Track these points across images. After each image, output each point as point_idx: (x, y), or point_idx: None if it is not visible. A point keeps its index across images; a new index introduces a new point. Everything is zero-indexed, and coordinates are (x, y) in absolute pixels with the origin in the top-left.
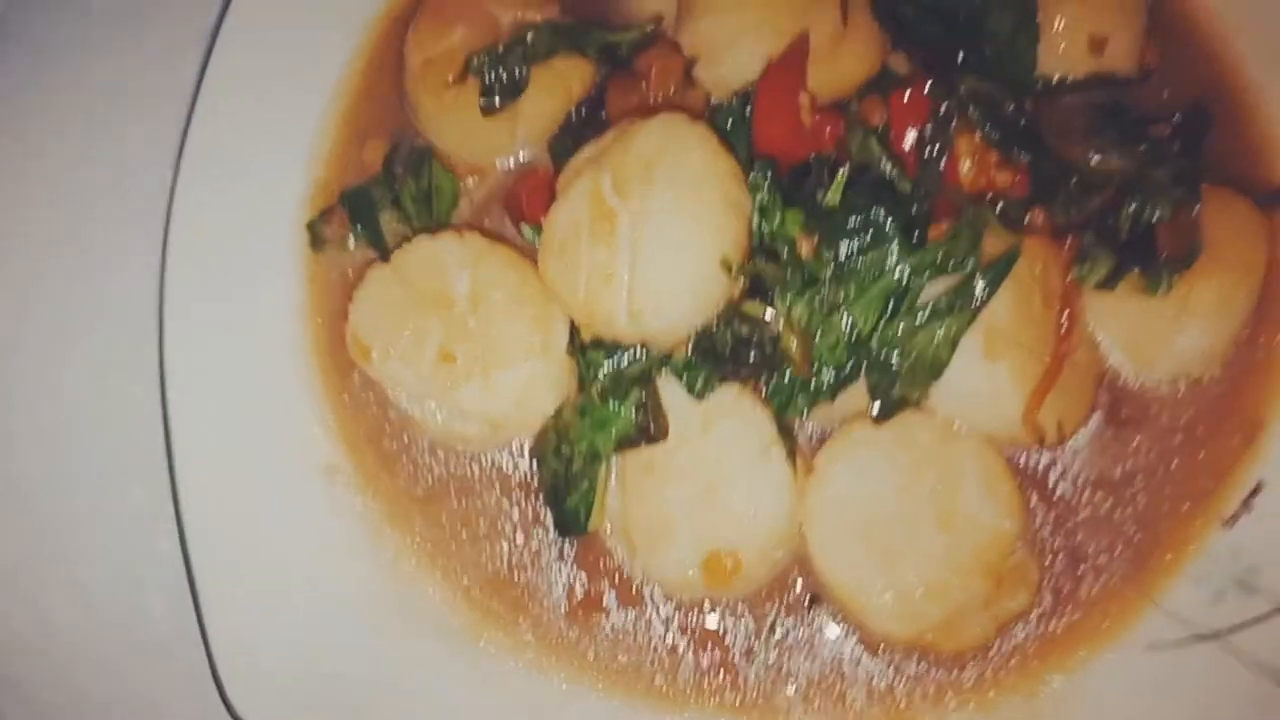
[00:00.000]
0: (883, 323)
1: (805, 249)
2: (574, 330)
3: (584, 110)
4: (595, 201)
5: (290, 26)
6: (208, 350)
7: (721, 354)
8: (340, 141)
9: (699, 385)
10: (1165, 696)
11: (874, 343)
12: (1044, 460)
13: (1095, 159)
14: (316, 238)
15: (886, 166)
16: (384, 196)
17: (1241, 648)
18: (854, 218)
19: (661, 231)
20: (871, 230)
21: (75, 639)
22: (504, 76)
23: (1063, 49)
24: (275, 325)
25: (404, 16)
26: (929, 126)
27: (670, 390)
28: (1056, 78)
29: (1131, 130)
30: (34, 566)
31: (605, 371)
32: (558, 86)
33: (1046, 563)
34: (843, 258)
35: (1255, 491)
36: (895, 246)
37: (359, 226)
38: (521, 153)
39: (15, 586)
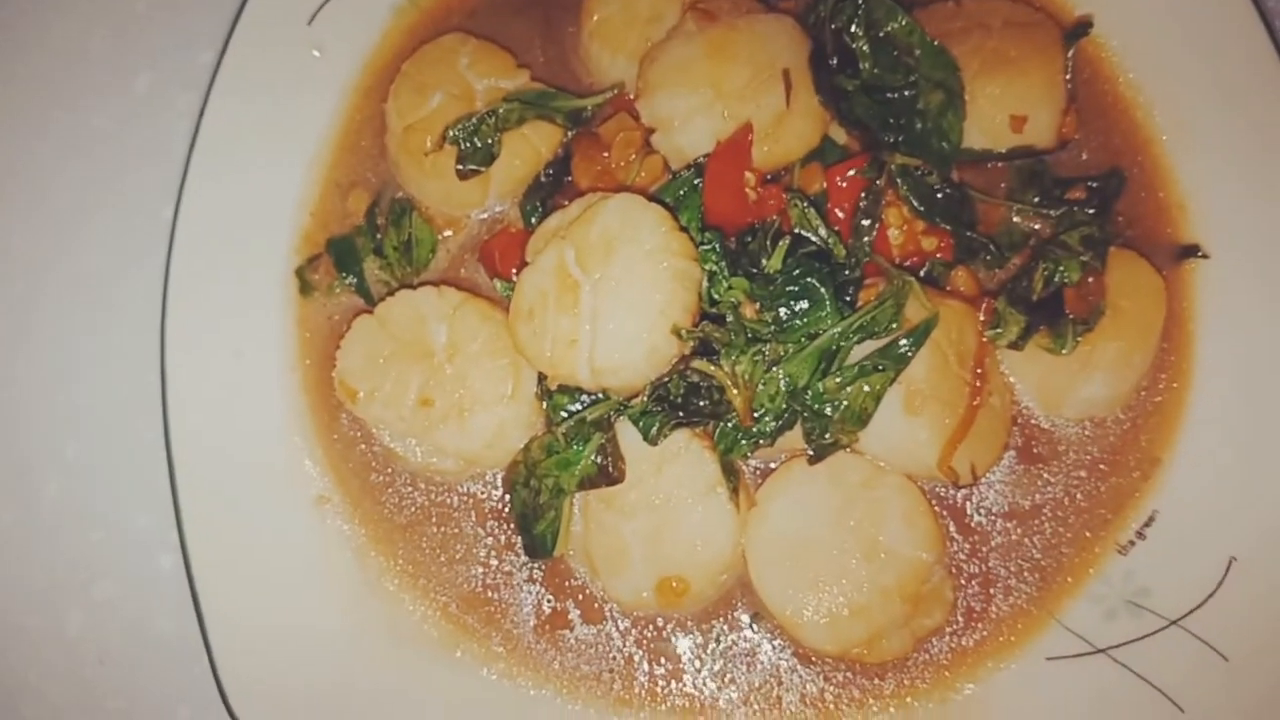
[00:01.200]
0: (817, 378)
1: (749, 312)
2: (541, 376)
3: (551, 171)
4: (561, 274)
5: (279, 85)
6: (207, 389)
7: (674, 403)
8: (325, 192)
9: (653, 431)
10: (1062, 703)
11: (809, 395)
12: (962, 494)
13: (1016, 218)
14: (305, 284)
15: (823, 236)
16: (367, 245)
17: (1128, 661)
18: (793, 284)
19: (620, 303)
20: (808, 295)
21: (90, 649)
22: (479, 145)
23: (986, 126)
24: (268, 366)
25: (385, 73)
26: (862, 200)
27: (627, 433)
28: (980, 150)
29: (1051, 192)
30: (55, 585)
31: (569, 417)
32: (527, 150)
33: (961, 584)
34: (782, 319)
35: (1149, 522)
36: (829, 310)
37: (344, 273)
38: (494, 208)
39: (38, 603)
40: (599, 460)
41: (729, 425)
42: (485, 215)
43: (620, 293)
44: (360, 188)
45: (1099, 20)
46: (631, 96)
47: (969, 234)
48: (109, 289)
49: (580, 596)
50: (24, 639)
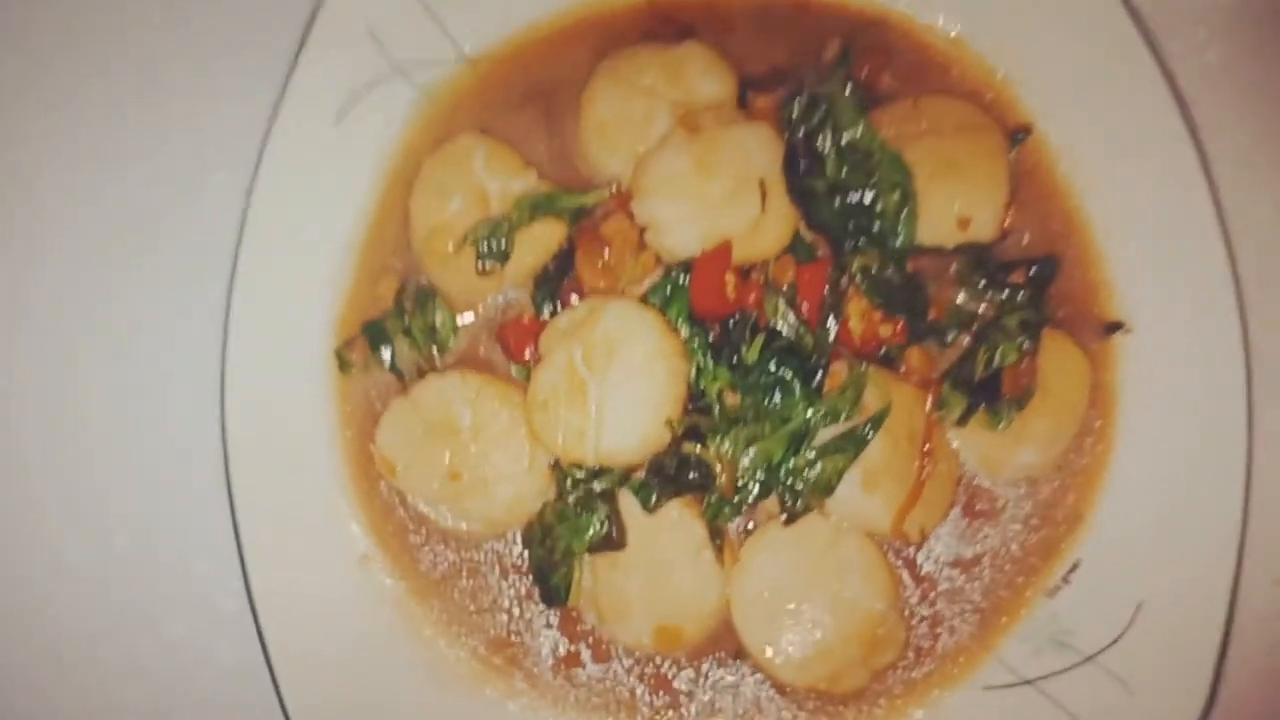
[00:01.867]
0: (789, 456)
1: (730, 400)
2: None
3: (558, 261)
4: (570, 372)
5: (311, 183)
6: (263, 457)
7: (667, 476)
8: (358, 279)
9: (650, 501)
10: None
11: (782, 471)
12: (914, 548)
13: (963, 299)
14: (344, 362)
15: (793, 327)
16: (396, 327)
17: (1051, 691)
18: (767, 375)
19: (621, 399)
20: (781, 385)
21: (160, 681)
22: (494, 248)
23: (937, 225)
24: (315, 437)
25: (406, 165)
26: (827, 297)
27: (628, 501)
28: (932, 245)
29: (994, 274)
30: (127, 626)
31: (578, 489)
32: (537, 245)
33: (912, 625)
34: (759, 406)
35: (1073, 569)
36: (799, 397)
37: (377, 353)
38: (508, 294)
39: (112, 641)
40: (604, 528)
41: (715, 496)
42: (500, 300)
43: (621, 390)
44: (388, 275)
45: (1040, 118)
46: (627, 191)
47: (921, 321)
48: (166, 358)
49: (590, 639)
50: (102, 670)
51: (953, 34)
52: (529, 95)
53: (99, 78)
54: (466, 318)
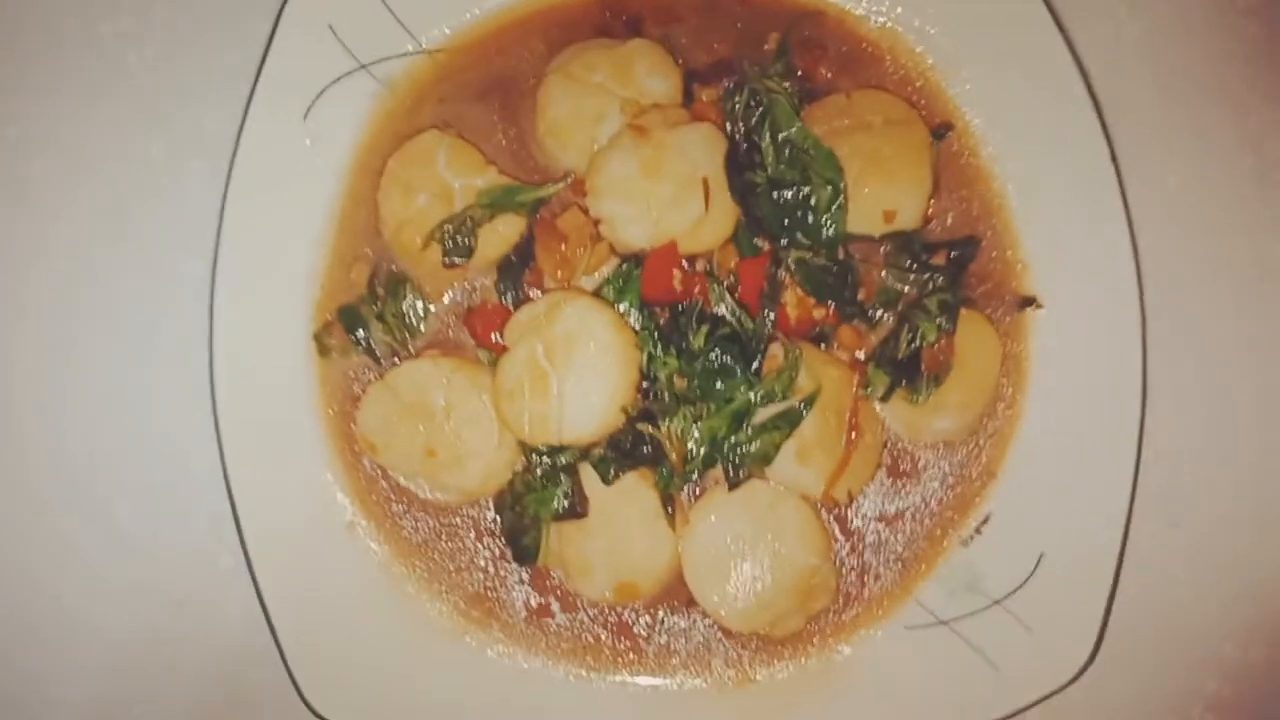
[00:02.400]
0: (732, 432)
1: (679, 383)
2: None
3: (519, 251)
4: (532, 365)
5: (284, 175)
6: (253, 435)
7: (624, 451)
8: (331, 266)
9: (609, 474)
10: (914, 660)
11: (726, 445)
12: (845, 508)
13: (890, 280)
14: (323, 346)
15: (734, 315)
16: (370, 312)
17: (962, 631)
18: (712, 361)
19: (580, 390)
20: (724, 370)
21: (169, 632)
22: (460, 243)
23: (865, 216)
24: (300, 417)
25: (372, 155)
26: (765, 287)
27: (589, 474)
28: (861, 234)
29: (919, 256)
30: (136, 587)
31: (544, 463)
32: (499, 237)
33: (843, 574)
34: (705, 388)
35: (985, 521)
36: (740, 380)
37: (353, 337)
38: (474, 281)
39: (124, 600)
40: (567, 499)
41: (666, 468)
42: (467, 286)
43: (580, 381)
44: (360, 262)
45: (964, 108)
46: (581, 182)
47: (850, 305)
48: (156, 340)
49: (559, 593)
50: (114, 625)
51: (884, 23)
52: (487, 87)
53: (73, 73)
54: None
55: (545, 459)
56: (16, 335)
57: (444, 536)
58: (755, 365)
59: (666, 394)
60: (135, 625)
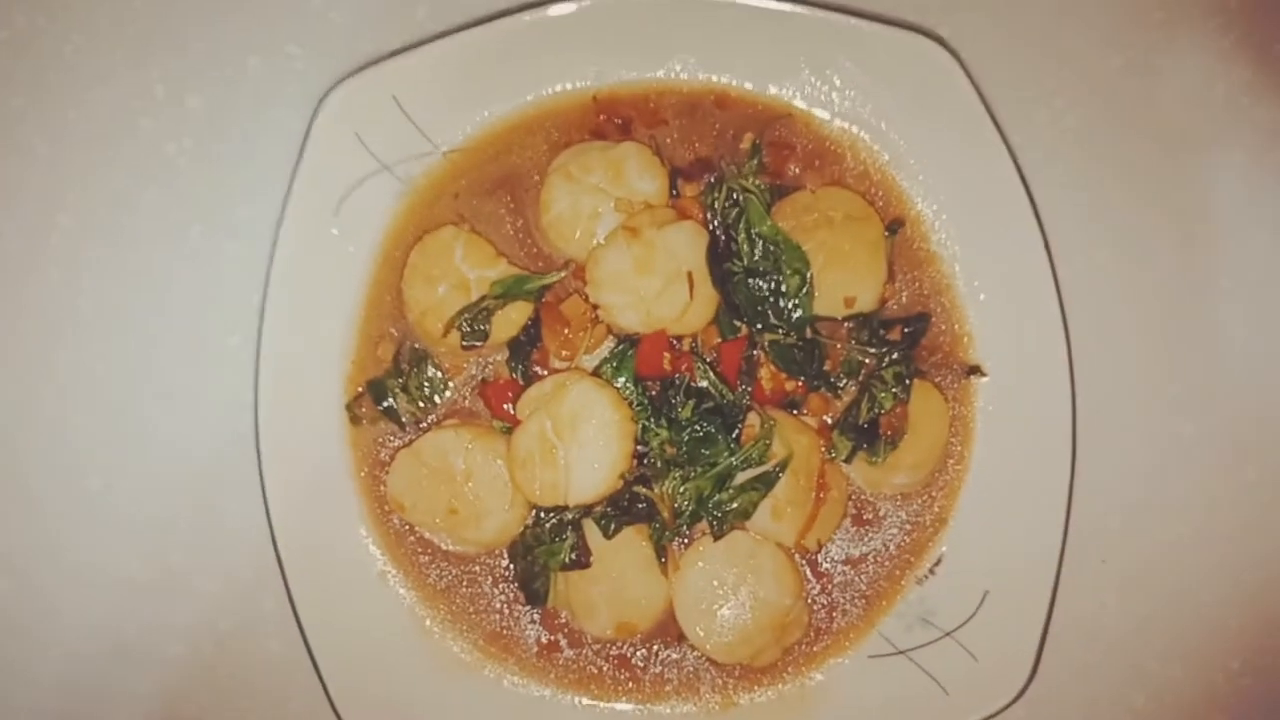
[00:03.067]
0: (715, 492)
1: (669, 450)
2: None
3: (527, 332)
4: (542, 439)
5: (318, 262)
6: (295, 495)
7: (622, 509)
8: (361, 343)
9: (609, 529)
10: (877, 685)
11: (711, 503)
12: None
13: (852, 353)
14: (354, 415)
15: (716, 388)
16: (395, 385)
17: (918, 659)
18: (697, 430)
19: (584, 461)
20: (708, 438)
21: (218, 671)
22: (476, 327)
23: (829, 302)
24: (335, 478)
25: (397, 244)
26: (742, 364)
27: (592, 529)
28: (825, 316)
29: (877, 331)
30: (190, 629)
31: (552, 519)
32: (509, 322)
33: (814, 611)
34: (692, 453)
35: (938, 563)
36: (722, 447)
37: (381, 407)
38: (488, 359)
39: (179, 640)
40: (573, 552)
41: (659, 523)
42: (482, 363)
43: (584, 453)
44: (387, 340)
45: (914, 195)
46: (581, 269)
47: (816, 378)
48: (206, 408)
49: (566, 630)
50: (172, 662)
51: (844, 125)
52: (496, 183)
53: (116, 163)
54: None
55: (553, 516)
56: (73, 399)
57: (464, 583)
58: (735, 433)
59: (659, 459)
60: (189, 658)
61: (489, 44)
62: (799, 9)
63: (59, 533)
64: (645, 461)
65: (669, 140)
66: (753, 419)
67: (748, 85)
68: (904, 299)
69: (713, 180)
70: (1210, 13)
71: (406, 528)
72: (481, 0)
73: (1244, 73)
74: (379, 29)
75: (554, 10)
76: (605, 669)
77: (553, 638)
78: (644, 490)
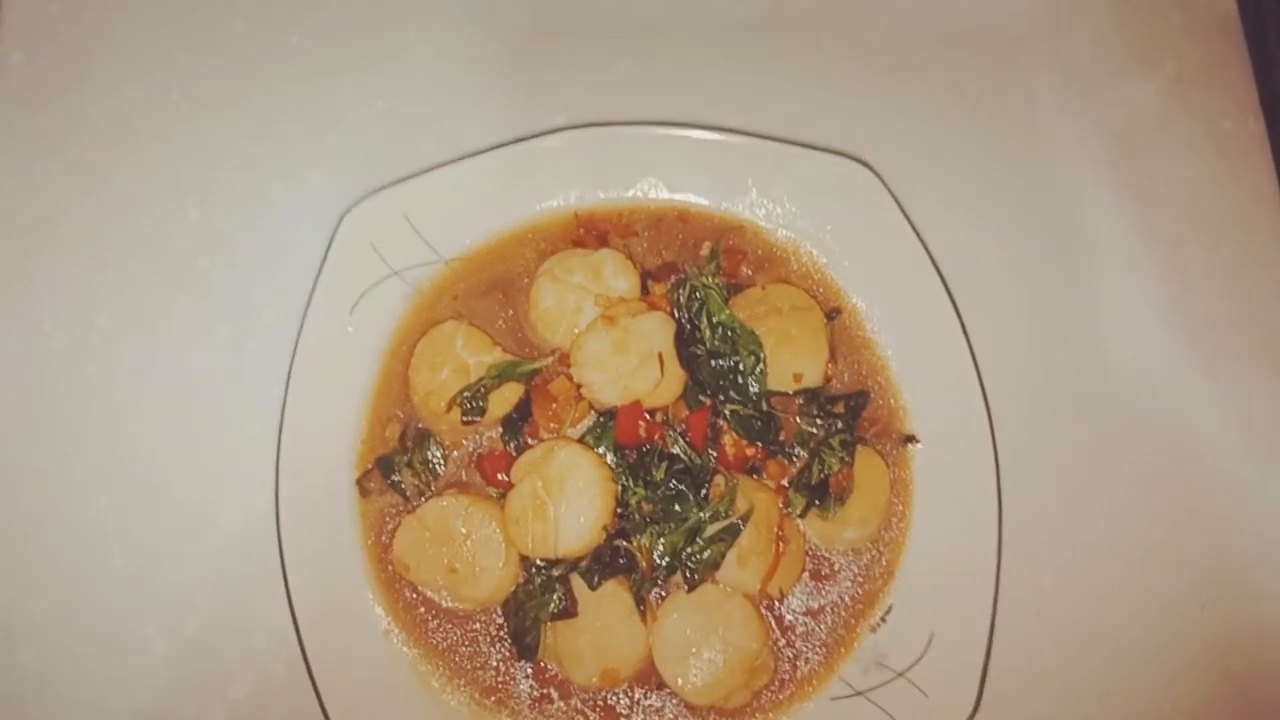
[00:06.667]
0: (687, 545)
1: (646, 507)
2: None
3: (519, 409)
4: (534, 497)
5: (335, 354)
6: (309, 558)
7: (605, 563)
8: (370, 425)
9: (594, 582)
10: None
11: (684, 555)
12: (779, 603)
13: (803, 426)
14: (363, 489)
15: (686, 454)
16: (401, 461)
17: (875, 699)
18: (670, 489)
19: (571, 516)
20: (679, 496)
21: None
22: (474, 405)
23: (780, 378)
24: (345, 546)
25: (404, 339)
26: (708, 431)
27: (578, 582)
28: (778, 391)
29: (824, 406)
30: (197, 690)
31: (541, 574)
32: (503, 400)
33: (779, 657)
34: (666, 510)
35: (888, 611)
36: (692, 504)
37: (387, 480)
38: (484, 435)
39: (186, 697)
40: (561, 602)
41: (638, 575)
42: (478, 438)
43: (571, 508)
44: (393, 422)
45: (851, 294)
46: (566, 357)
47: (773, 444)
48: (228, 483)
49: (556, 682)
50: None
51: (788, 235)
52: (491, 285)
53: (151, 274)
54: (453, 453)
55: (542, 570)
56: (103, 484)
57: (462, 640)
58: (703, 492)
59: (637, 515)
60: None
61: (486, 170)
62: (746, 140)
63: (84, 600)
64: (625, 517)
65: (640, 249)
66: (719, 480)
67: (705, 202)
68: (845, 378)
69: (677, 280)
70: (1085, 153)
71: (408, 588)
72: (479, 133)
73: (1127, 196)
74: (390, 159)
75: (541, 142)
76: (592, 718)
77: (544, 690)
78: (624, 544)
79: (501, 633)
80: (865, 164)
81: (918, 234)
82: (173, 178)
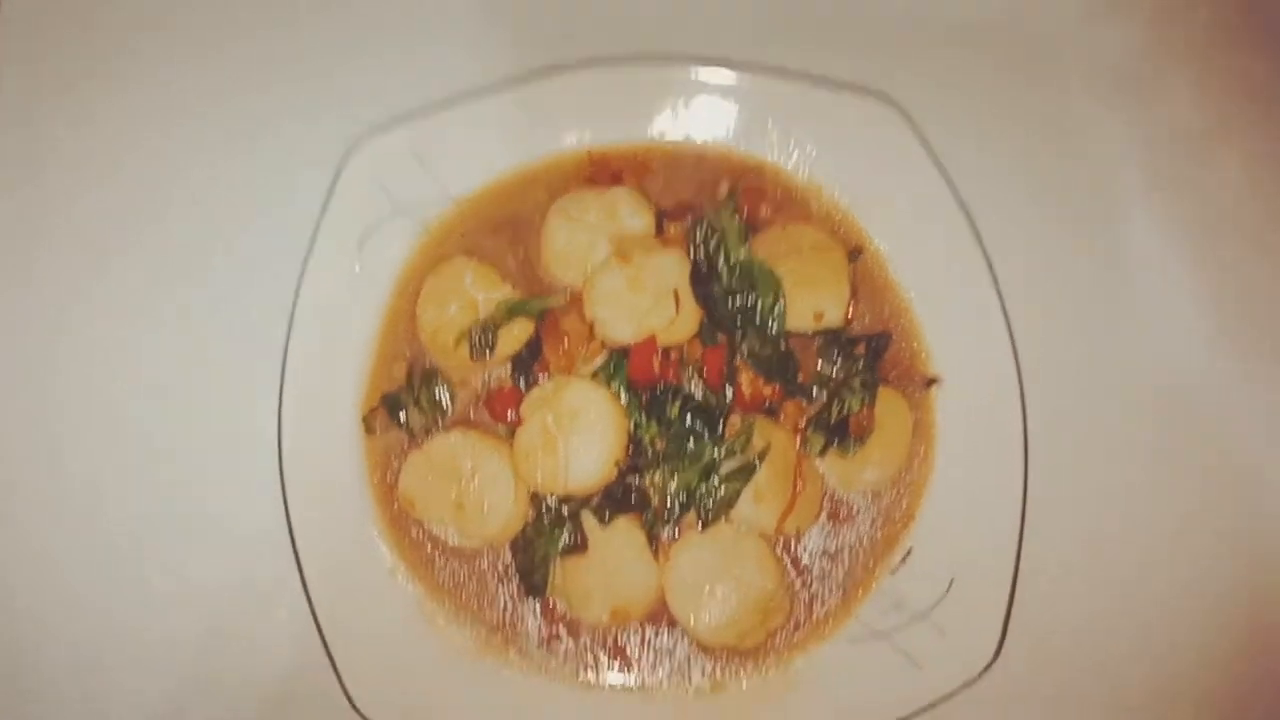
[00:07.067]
0: (702, 483)
1: (659, 444)
2: None
3: (529, 347)
4: (545, 432)
5: (343, 292)
6: (312, 497)
7: (616, 499)
8: (377, 363)
9: (605, 518)
10: (856, 664)
11: (698, 493)
12: (794, 544)
13: (822, 366)
14: (369, 427)
15: (701, 392)
16: (408, 399)
17: (894, 640)
18: (684, 426)
19: (581, 450)
20: (694, 433)
21: (232, 677)
22: (483, 341)
23: (799, 318)
24: (349, 483)
25: (411, 279)
26: (724, 370)
27: (589, 519)
28: (798, 331)
29: (844, 348)
30: (203, 642)
31: (551, 512)
32: (513, 338)
33: (795, 602)
34: (680, 447)
35: (908, 554)
36: (707, 442)
37: (393, 418)
38: (492, 373)
39: (189, 657)
40: (571, 538)
41: (650, 513)
42: (487, 376)
43: (582, 444)
44: (400, 360)
45: (872, 233)
46: (578, 296)
47: (792, 384)
48: (233, 418)
49: (564, 620)
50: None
51: (809, 175)
52: (500, 224)
53: (159, 218)
54: (461, 392)
55: (552, 508)
56: (105, 426)
57: (469, 577)
58: (719, 430)
59: (650, 452)
60: (195, 667)
61: (497, 108)
62: (768, 77)
63: (84, 534)
64: (638, 454)
65: (655, 189)
66: (734, 419)
67: (724, 142)
68: (867, 320)
69: (694, 220)
70: (1120, 88)
71: (415, 525)
72: (490, 70)
73: (1156, 133)
74: (399, 98)
75: (554, 79)
76: (601, 656)
77: (553, 629)
78: (636, 480)
79: (509, 570)
80: (890, 101)
81: (946, 176)
82: (175, 116)
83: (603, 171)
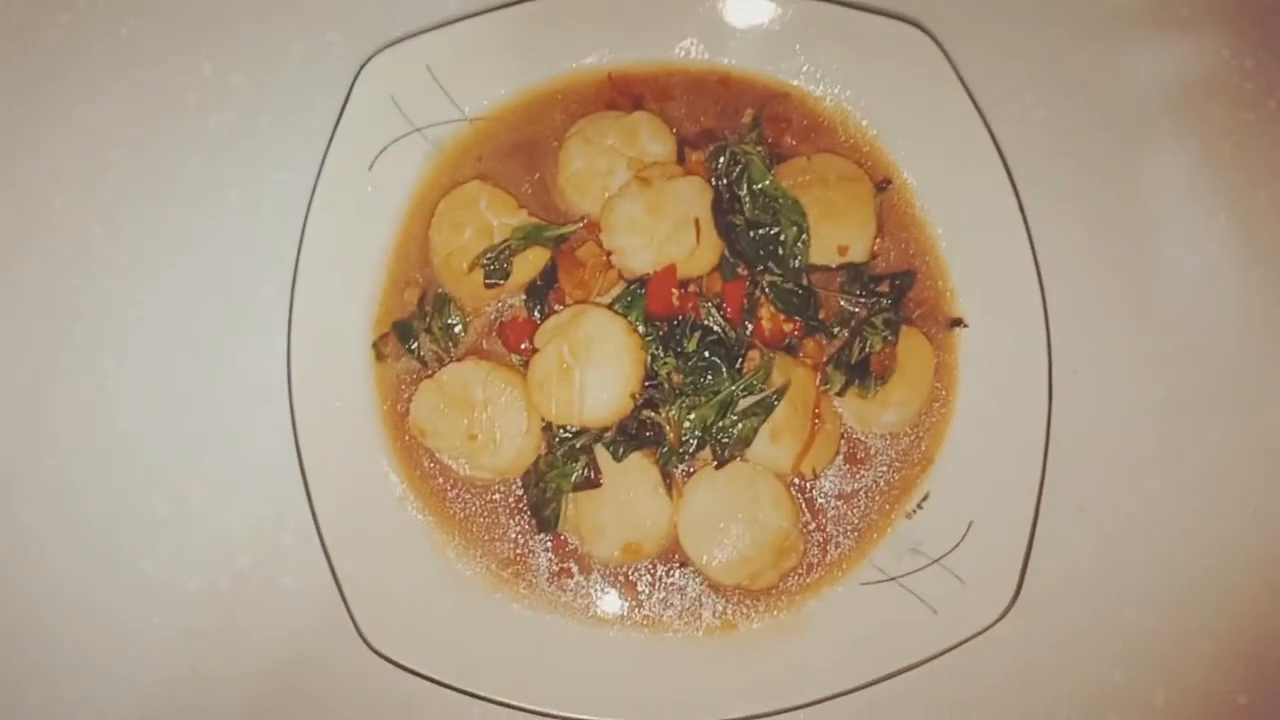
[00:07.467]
0: (718, 419)
1: (676, 379)
2: None
3: (545, 275)
4: (560, 361)
5: (353, 213)
6: (321, 424)
7: (631, 434)
8: (388, 288)
9: (619, 452)
10: (869, 609)
11: (714, 429)
12: (810, 485)
13: (844, 305)
14: (379, 353)
15: (720, 326)
16: (419, 326)
17: (908, 584)
18: (702, 360)
19: (597, 381)
20: (712, 368)
21: (233, 601)
22: (498, 266)
23: (823, 251)
24: (360, 410)
25: (424, 201)
26: (744, 303)
27: (602, 453)
28: (821, 265)
29: (867, 285)
30: (207, 561)
31: (565, 445)
32: (528, 264)
33: (808, 540)
34: (697, 383)
35: (925, 498)
36: (725, 377)
37: (405, 346)
38: (506, 301)
39: (195, 573)
40: (585, 472)
41: (666, 448)
42: (501, 304)
43: (598, 374)
44: (412, 286)
45: (901, 169)
46: (596, 223)
47: (813, 321)
48: (239, 345)
49: (575, 556)
50: (185, 595)
51: (836, 102)
52: (516, 147)
53: (160, 133)
54: (473, 320)
55: (566, 441)
56: (112, 347)
57: (479, 510)
58: (737, 365)
59: (666, 386)
60: (201, 590)
61: (515, 23)
62: (795, 0)
63: (87, 467)
64: (654, 387)
65: (677, 114)
66: (753, 354)
67: (749, 66)
68: (892, 257)
69: (716, 148)
70: (1164, 23)
71: (425, 455)
72: None
73: (1197, 72)
74: (412, 17)
75: None
76: (613, 594)
77: (564, 564)
78: (652, 415)
79: (521, 504)
80: (923, 28)
81: (977, 107)
82: (186, 34)
83: (623, 95)
